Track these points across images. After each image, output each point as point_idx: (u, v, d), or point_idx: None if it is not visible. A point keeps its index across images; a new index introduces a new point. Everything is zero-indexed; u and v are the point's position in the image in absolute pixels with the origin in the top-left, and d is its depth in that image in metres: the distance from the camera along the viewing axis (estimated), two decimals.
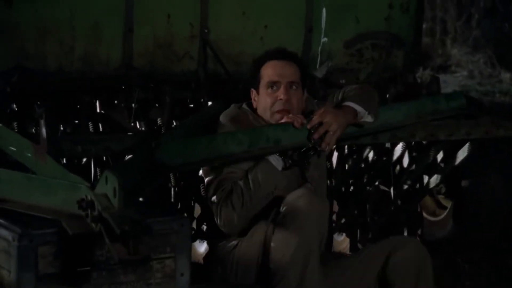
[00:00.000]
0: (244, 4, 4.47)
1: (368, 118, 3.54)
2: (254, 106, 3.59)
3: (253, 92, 3.59)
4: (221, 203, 3.39)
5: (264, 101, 3.53)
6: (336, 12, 4.67)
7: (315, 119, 3.39)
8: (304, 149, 3.42)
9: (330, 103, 3.63)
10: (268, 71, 3.52)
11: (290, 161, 3.42)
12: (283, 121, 3.47)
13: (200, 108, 4.30)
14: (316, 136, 3.37)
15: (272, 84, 3.50)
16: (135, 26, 4.24)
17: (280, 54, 3.58)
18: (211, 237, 3.82)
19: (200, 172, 3.96)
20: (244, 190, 3.37)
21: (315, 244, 3.28)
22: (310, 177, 3.56)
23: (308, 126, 3.39)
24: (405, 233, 4.51)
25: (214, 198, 3.43)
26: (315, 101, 3.77)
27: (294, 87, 3.51)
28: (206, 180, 3.52)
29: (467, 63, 10.68)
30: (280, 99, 3.48)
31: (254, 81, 3.58)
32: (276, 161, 3.41)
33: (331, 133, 3.37)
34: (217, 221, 3.42)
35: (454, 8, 11.20)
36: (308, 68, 4.68)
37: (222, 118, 3.59)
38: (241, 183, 3.38)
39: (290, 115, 3.45)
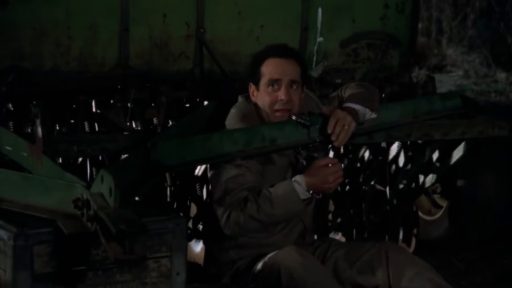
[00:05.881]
0: (240, 4, 4.47)
1: (372, 115, 3.54)
2: (253, 100, 3.53)
3: (252, 87, 3.53)
4: (232, 206, 3.33)
5: (264, 99, 3.48)
6: (332, 12, 4.67)
7: (332, 120, 3.37)
8: (313, 145, 3.40)
9: (332, 105, 3.63)
10: (269, 69, 3.46)
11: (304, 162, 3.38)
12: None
13: (196, 107, 4.31)
14: (334, 135, 3.35)
15: (273, 83, 3.45)
16: (131, 26, 4.24)
17: (281, 50, 3.53)
18: (207, 238, 3.82)
19: (196, 171, 3.96)
20: (262, 206, 3.30)
21: None
22: None
23: (329, 131, 3.36)
24: (401, 232, 4.52)
25: (223, 199, 3.37)
26: (317, 98, 3.75)
27: (294, 86, 3.46)
28: (210, 176, 3.47)
29: (463, 63, 10.69)
30: (281, 100, 3.44)
31: (254, 76, 3.52)
32: (300, 189, 3.31)
33: (346, 127, 3.37)
34: (222, 221, 3.35)
35: (450, 8, 11.22)
36: None
37: (234, 114, 3.55)
38: (260, 201, 3.31)
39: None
